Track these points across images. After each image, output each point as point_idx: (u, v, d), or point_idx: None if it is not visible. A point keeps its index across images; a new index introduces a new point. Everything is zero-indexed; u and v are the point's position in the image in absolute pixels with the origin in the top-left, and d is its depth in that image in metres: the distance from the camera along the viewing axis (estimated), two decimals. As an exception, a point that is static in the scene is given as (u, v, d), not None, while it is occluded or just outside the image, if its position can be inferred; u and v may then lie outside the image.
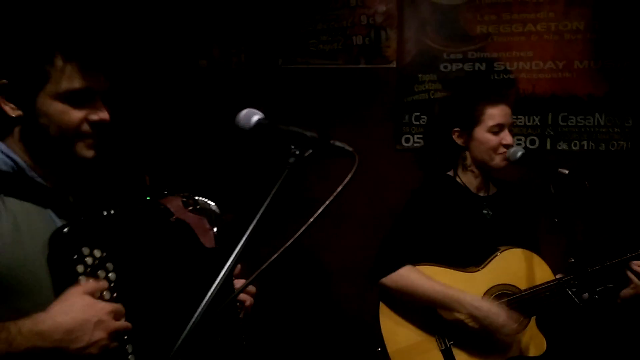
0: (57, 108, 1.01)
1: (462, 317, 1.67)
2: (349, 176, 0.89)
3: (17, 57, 0.99)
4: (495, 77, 2.74)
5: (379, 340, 1.72)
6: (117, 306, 0.97)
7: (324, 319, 2.92)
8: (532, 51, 2.68)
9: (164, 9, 2.89)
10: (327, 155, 0.94)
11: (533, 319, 1.68)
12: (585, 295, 1.51)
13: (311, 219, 0.87)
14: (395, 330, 1.70)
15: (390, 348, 1.69)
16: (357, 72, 2.92)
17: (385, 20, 2.86)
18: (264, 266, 0.86)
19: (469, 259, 1.76)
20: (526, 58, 2.70)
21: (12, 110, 1.01)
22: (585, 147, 2.67)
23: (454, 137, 1.76)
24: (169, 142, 2.96)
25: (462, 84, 2.67)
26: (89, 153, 1.06)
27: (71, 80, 1.00)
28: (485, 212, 1.79)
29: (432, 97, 2.82)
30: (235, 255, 0.86)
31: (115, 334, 0.95)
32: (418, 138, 2.84)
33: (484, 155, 1.73)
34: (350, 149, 0.93)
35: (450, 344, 1.69)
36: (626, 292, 1.60)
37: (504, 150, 1.70)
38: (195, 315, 0.80)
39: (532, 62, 2.69)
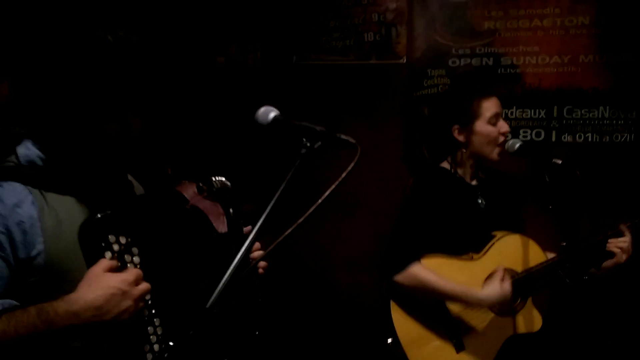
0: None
1: (469, 311, 1.78)
2: (352, 164, 1.00)
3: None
4: (502, 72, 2.82)
5: (390, 331, 1.82)
6: (135, 271, 1.08)
7: (334, 310, 3.04)
8: (538, 46, 2.76)
9: (183, 7, 3.03)
10: (335, 147, 1.05)
11: (530, 298, 1.79)
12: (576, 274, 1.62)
13: (320, 200, 0.97)
14: (407, 323, 1.80)
15: (403, 339, 1.79)
16: (368, 68, 3.03)
17: (395, 17, 2.96)
18: (281, 238, 0.97)
19: (468, 246, 1.87)
20: (532, 53, 2.77)
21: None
22: (590, 140, 2.74)
23: (454, 134, 1.85)
24: (188, 136, 3.11)
25: (455, 84, 2.76)
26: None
27: None
28: (479, 201, 1.90)
29: (440, 91, 2.92)
30: (254, 234, 0.97)
31: (140, 298, 1.08)
32: (427, 131, 2.94)
33: (485, 148, 1.83)
34: (353, 141, 1.04)
35: (457, 330, 1.81)
36: (607, 262, 1.72)
37: (502, 140, 1.80)
38: (226, 276, 0.92)
39: (538, 56, 2.77)
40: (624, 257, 1.69)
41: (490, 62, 2.84)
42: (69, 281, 1.07)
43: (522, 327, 1.79)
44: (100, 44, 1.14)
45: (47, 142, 1.15)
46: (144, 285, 1.08)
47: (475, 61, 2.86)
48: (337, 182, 1.00)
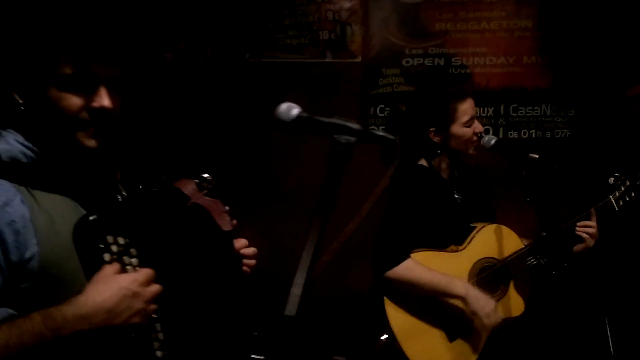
0: (55, 95, 0.99)
1: (456, 301, 1.83)
2: (393, 165, 0.98)
3: (19, 46, 0.98)
4: (454, 72, 2.94)
5: (383, 328, 1.84)
6: (146, 271, 1.01)
7: (326, 307, 2.99)
8: (486, 47, 2.91)
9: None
10: (371, 143, 1.03)
11: (511, 283, 1.89)
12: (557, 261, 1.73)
13: (372, 198, 0.94)
14: (401, 317, 1.82)
15: (397, 333, 1.81)
16: (323, 66, 3.02)
17: (350, 16, 2.98)
18: (344, 238, 0.93)
19: (450, 239, 1.93)
20: (481, 54, 2.92)
21: (18, 100, 1.00)
22: (534, 135, 2.94)
23: (430, 136, 1.89)
24: (135, 134, 2.92)
25: (426, 84, 2.83)
26: (91, 142, 1.03)
27: (65, 66, 0.98)
28: (456, 196, 1.97)
29: (395, 90, 2.98)
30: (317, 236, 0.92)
31: (151, 300, 1.00)
32: (383, 129, 3.00)
33: (461, 146, 1.89)
34: (391, 137, 1.02)
35: (449, 321, 1.85)
36: (577, 247, 1.84)
37: (476, 139, 1.88)
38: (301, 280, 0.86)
39: (486, 57, 2.92)
40: (592, 241, 1.82)
41: (442, 63, 2.95)
42: (64, 287, 0.98)
43: (507, 312, 1.87)
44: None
45: (37, 135, 1.03)
46: (155, 287, 1.01)
47: (427, 61, 2.95)
48: (383, 181, 0.97)
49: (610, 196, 1.80)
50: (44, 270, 0.97)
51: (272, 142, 3.02)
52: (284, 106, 1.09)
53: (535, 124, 2.93)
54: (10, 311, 0.94)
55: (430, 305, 1.85)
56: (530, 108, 2.93)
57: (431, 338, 1.85)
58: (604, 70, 2.75)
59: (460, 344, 1.87)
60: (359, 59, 2.99)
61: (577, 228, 1.81)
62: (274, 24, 3.01)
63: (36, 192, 0.99)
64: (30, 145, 1.02)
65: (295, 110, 1.08)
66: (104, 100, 1.02)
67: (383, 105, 3.00)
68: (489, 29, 2.90)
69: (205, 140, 2.96)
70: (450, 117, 1.85)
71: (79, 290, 0.97)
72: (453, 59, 2.93)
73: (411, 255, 1.83)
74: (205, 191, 1.18)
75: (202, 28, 2.99)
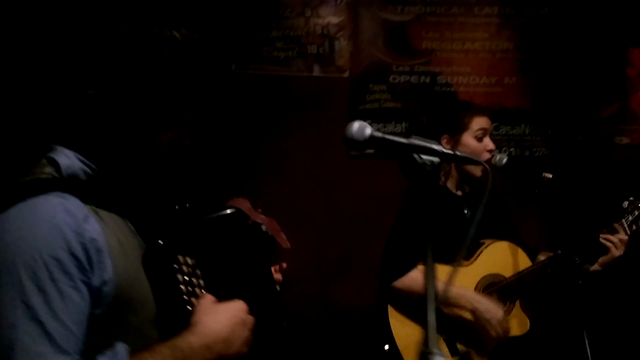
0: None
1: (462, 312, 1.84)
2: (488, 188, 0.98)
3: (111, 69, 0.94)
4: (438, 90, 3.01)
5: (386, 339, 1.84)
6: (242, 303, 1.01)
7: (328, 321, 2.93)
8: (469, 67, 3.00)
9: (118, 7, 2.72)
10: (453, 163, 1.02)
11: (517, 302, 1.92)
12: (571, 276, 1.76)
13: (477, 216, 0.94)
14: (404, 329, 1.83)
15: (400, 344, 1.82)
16: (311, 80, 3.01)
17: (338, 31, 2.99)
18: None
19: (456, 254, 1.95)
20: (465, 73, 3.01)
21: (96, 120, 0.95)
22: (513, 154, 3.04)
23: (443, 142, 1.93)
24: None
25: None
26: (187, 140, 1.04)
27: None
28: (465, 211, 2.00)
29: (382, 106, 3.02)
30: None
31: (251, 329, 1.00)
32: (370, 144, 3.01)
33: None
34: (477, 159, 1.02)
35: (451, 335, 1.86)
36: (603, 259, 1.84)
37: (488, 156, 1.92)
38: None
39: (469, 77, 3.01)
40: (618, 252, 1.81)
41: (428, 80, 3.01)
42: (132, 313, 0.92)
43: (512, 330, 1.90)
44: (169, 42, 0.97)
45: (99, 152, 0.96)
46: (251, 317, 0.99)
47: (414, 79, 3.01)
48: (484, 199, 0.97)
49: (623, 220, 1.84)
50: (117, 295, 0.89)
51: (258, 153, 2.97)
52: (356, 125, 1.07)
53: (515, 143, 3.04)
54: (125, 346, 0.87)
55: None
56: (511, 127, 3.04)
57: None
58: (580, 91, 2.90)
59: (463, 357, 1.88)
60: (346, 74, 3.00)
61: (600, 237, 1.82)
62: (261, 35, 2.97)
63: (99, 211, 0.92)
64: (88, 162, 0.95)
65: (369, 130, 1.06)
66: (187, 139, 1.01)
67: (370, 121, 3.01)
68: (472, 50, 3.00)
69: (190, 150, 2.86)
70: (464, 125, 1.89)
71: (148, 317, 0.93)
72: (438, 77, 3.00)
73: (418, 267, 1.83)
74: (260, 209, 1.15)
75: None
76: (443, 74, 3.00)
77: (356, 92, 3.00)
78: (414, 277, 1.81)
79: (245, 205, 1.15)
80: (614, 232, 1.82)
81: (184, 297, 0.98)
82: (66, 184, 0.90)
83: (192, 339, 0.90)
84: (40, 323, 0.79)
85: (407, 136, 1.09)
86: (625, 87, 2.80)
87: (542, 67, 2.96)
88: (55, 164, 0.93)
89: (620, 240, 1.80)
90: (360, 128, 1.06)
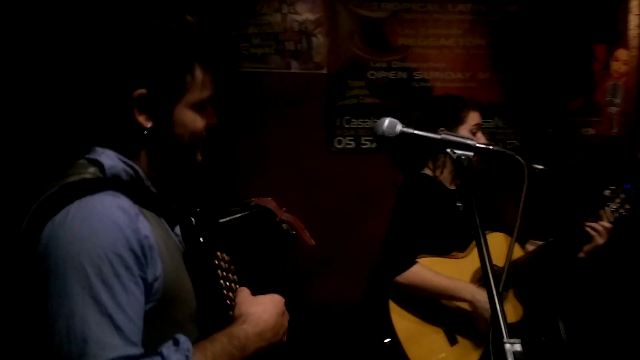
0: (190, 117, 0.98)
1: (462, 304, 1.89)
2: (525, 185, 1.01)
3: (162, 67, 0.93)
4: (415, 85, 3.07)
5: (387, 332, 1.87)
6: (280, 296, 1.03)
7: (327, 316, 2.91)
8: (444, 63, 3.07)
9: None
10: (487, 157, 1.05)
11: (511, 290, 1.99)
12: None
13: (518, 221, 0.96)
14: (405, 322, 1.87)
15: (401, 337, 1.85)
16: (289, 77, 3.00)
17: (315, 28, 2.99)
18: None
19: (453, 246, 2.00)
20: (440, 69, 3.08)
21: (145, 121, 0.94)
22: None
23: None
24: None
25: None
26: (200, 157, 1.06)
27: (205, 90, 0.98)
28: (458, 204, 2.05)
29: (361, 101, 3.04)
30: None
31: (288, 320, 1.03)
32: (350, 140, 3.04)
33: None
34: (512, 153, 1.05)
35: (450, 325, 1.91)
36: (587, 247, 1.92)
37: None
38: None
39: (445, 72, 3.08)
40: (601, 240, 1.88)
41: (405, 76, 3.06)
42: (177, 308, 0.94)
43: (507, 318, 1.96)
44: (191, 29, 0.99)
45: (141, 153, 0.98)
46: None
47: (391, 74, 3.05)
48: (522, 201, 1.00)
49: (606, 208, 1.93)
50: (165, 291, 0.91)
51: (236, 150, 2.93)
52: (387, 121, 1.08)
53: (489, 135, 3.14)
54: (185, 337, 0.88)
55: (433, 309, 1.91)
56: (484, 120, 3.10)
57: (434, 342, 1.90)
58: (549, 85, 3.03)
59: (461, 348, 1.94)
60: (324, 71, 3.01)
61: (586, 225, 1.90)
62: (238, 32, 2.93)
63: (142, 209, 0.93)
64: (130, 163, 0.96)
65: (399, 126, 1.08)
66: (215, 118, 1.02)
67: (349, 117, 3.03)
68: (447, 46, 3.07)
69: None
70: (461, 119, 1.94)
71: (190, 313, 0.95)
72: (415, 73, 3.06)
73: (417, 260, 1.88)
74: (285, 208, 1.17)
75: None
76: (419, 70, 3.06)
77: (335, 88, 3.01)
78: (416, 272, 1.84)
79: (271, 204, 1.17)
80: (599, 219, 1.92)
81: (224, 291, 1.01)
82: (115, 183, 0.91)
83: (247, 328, 0.93)
84: (109, 316, 0.81)
85: (433, 131, 1.11)
86: (591, 81, 2.94)
87: (513, 63, 3.07)
88: (98, 164, 0.93)
89: (605, 228, 1.90)
90: (391, 125, 1.07)
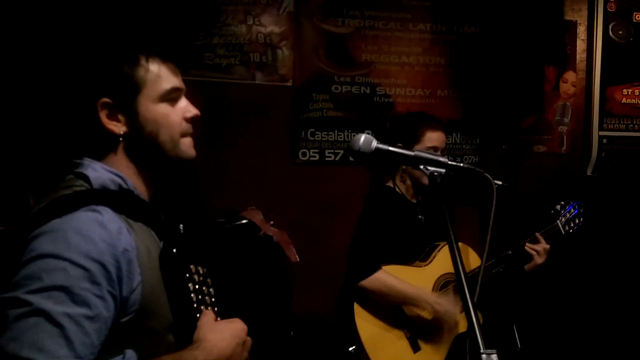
0: (160, 111, 0.98)
1: (422, 311, 1.94)
2: (494, 202, 1.05)
3: (111, 69, 0.95)
4: (378, 100, 3.14)
5: (351, 340, 1.89)
6: (241, 322, 1.01)
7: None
8: (406, 79, 3.16)
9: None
10: (461, 175, 1.09)
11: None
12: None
13: (488, 237, 0.99)
14: (369, 328, 1.89)
15: (366, 343, 1.87)
16: (254, 88, 3.00)
17: (281, 40, 3.02)
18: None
19: (415, 255, 2.06)
20: (402, 85, 3.16)
21: (117, 128, 0.95)
22: (446, 161, 3.24)
23: None
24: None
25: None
26: (193, 152, 1.07)
27: (166, 81, 0.99)
28: (420, 217, 2.11)
29: (325, 115, 3.08)
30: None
31: (249, 350, 1.00)
32: (314, 152, 3.07)
33: (417, 172, 2.04)
34: (481, 170, 1.09)
35: (413, 332, 1.95)
36: (529, 265, 2.06)
37: None
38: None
39: (406, 88, 3.17)
40: (540, 259, 2.03)
41: (368, 91, 3.13)
42: (153, 320, 0.93)
43: (464, 326, 2.02)
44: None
45: (125, 160, 0.99)
46: (249, 338, 1.01)
47: (355, 89, 3.11)
48: (491, 221, 1.04)
49: (557, 221, 2.06)
50: (142, 303, 0.90)
51: (198, 162, 2.88)
52: (362, 138, 1.11)
53: (448, 151, 3.24)
54: (134, 352, 0.86)
55: (397, 316, 1.95)
56: (443, 136, 3.23)
57: (397, 349, 1.93)
58: (504, 104, 3.16)
59: (424, 354, 1.98)
60: (289, 83, 3.03)
61: (526, 246, 2.04)
62: (202, 42, 2.91)
63: (129, 220, 0.93)
64: (116, 172, 0.96)
65: (375, 143, 1.10)
66: (195, 108, 1.04)
67: (314, 129, 3.06)
68: (408, 63, 3.16)
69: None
70: (417, 138, 1.99)
71: (164, 324, 0.93)
72: (378, 88, 3.13)
73: (382, 267, 1.92)
74: (272, 222, 1.16)
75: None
76: (382, 85, 3.13)
77: (300, 101, 3.04)
78: (379, 277, 1.88)
79: (257, 217, 1.16)
80: (536, 241, 2.04)
81: (194, 305, 0.98)
82: (99, 195, 0.90)
83: (198, 354, 0.91)
84: (61, 327, 0.81)
85: (407, 148, 1.15)
86: (542, 101, 3.10)
87: (470, 81, 3.20)
88: (84, 177, 0.93)
89: (544, 249, 2.02)
90: (367, 141, 1.10)
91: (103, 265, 0.84)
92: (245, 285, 1.08)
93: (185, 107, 1.02)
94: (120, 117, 0.95)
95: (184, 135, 1.02)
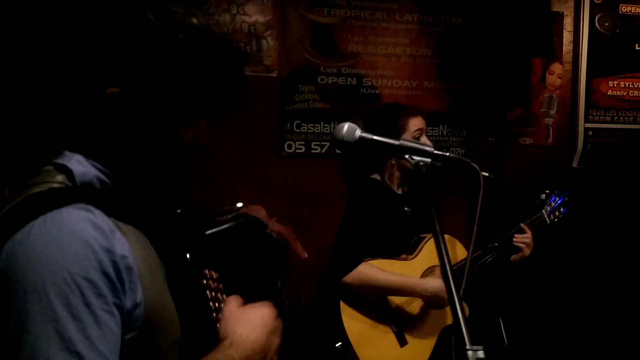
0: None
1: (409, 301, 1.91)
2: (481, 192, 1.02)
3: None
4: (364, 92, 3.10)
5: (337, 336, 1.87)
6: (271, 308, 0.95)
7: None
8: (392, 71, 3.13)
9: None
10: (447, 165, 1.05)
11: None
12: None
13: (475, 228, 0.97)
14: (355, 324, 1.87)
15: (352, 339, 1.85)
16: (238, 79, 2.94)
17: (266, 30, 2.97)
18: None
19: (401, 248, 2.04)
20: (388, 76, 3.13)
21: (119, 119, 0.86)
22: (433, 153, 3.22)
23: None
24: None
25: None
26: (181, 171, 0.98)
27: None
28: (406, 209, 2.09)
29: (311, 106, 3.04)
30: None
31: (281, 336, 0.95)
32: (300, 144, 3.03)
33: (408, 164, 2.01)
34: (468, 160, 1.06)
35: (400, 327, 1.93)
36: (515, 257, 2.06)
37: None
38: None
39: (392, 80, 3.14)
40: (528, 251, 2.04)
41: (354, 82, 3.09)
42: (161, 336, 0.82)
43: (451, 318, 2.01)
44: (190, 30, 0.91)
45: (116, 157, 0.86)
46: (279, 320, 0.94)
47: (341, 80, 3.07)
48: (478, 212, 1.01)
49: (542, 210, 2.06)
50: (147, 318, 0.79)
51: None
52: (346, 126, 1.07)
53: (435, 143, 3.19)
54: None
55: (383, 312, 1.93)
56: (430, 128, 3.20)
57: (384, 344, 1.91)
58: (491, 95, 3.15)
59: (411, 348, 1.96)
60: (274, 74, 2.98)
61: (514, 239, 2.03)
62: (185, 31, 2.85)
63: (119, 223, 0.81)
64: (105, 170, 0.84)
65: (358, 132, 1.07)
66: (207, 135, 0.94)
67: (299, 121, 3.02)
68: (394, 54, 3.13)
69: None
70: (403, 127, 1.97)
71: (174, 339, 0.84)
72: (364, 80, 3.09)
73: (366, 261, 1.89)
74: (275, 217, 1.11)
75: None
76: (368, 77, 3.10)
77: (285, 92, 2.99)
78: (362, 271, 1.86)
79: (261, 213, 1.10)
80: (522, 232, 2.04)
81: (213, 314, 0.91)
82: (87, 193, 0.79)
83: (232, 352, 0.84)
84: (77, 355, 0.70)
85: (394, 138, 1.11)
86: (528, 93, 3.09)
87: (457, 73, 3.18)
88: (66, 171, 0.81)
89: (531, 239, 2.02)
90: (350, 130, 1.07)
91: (105, 274, 0.73)
92: (255, 285, 1.01)
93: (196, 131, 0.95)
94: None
95: (183, 157, 0.95)
